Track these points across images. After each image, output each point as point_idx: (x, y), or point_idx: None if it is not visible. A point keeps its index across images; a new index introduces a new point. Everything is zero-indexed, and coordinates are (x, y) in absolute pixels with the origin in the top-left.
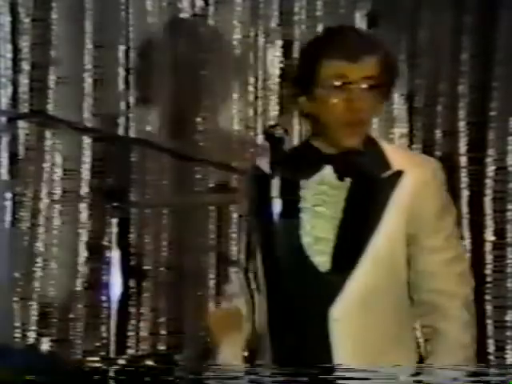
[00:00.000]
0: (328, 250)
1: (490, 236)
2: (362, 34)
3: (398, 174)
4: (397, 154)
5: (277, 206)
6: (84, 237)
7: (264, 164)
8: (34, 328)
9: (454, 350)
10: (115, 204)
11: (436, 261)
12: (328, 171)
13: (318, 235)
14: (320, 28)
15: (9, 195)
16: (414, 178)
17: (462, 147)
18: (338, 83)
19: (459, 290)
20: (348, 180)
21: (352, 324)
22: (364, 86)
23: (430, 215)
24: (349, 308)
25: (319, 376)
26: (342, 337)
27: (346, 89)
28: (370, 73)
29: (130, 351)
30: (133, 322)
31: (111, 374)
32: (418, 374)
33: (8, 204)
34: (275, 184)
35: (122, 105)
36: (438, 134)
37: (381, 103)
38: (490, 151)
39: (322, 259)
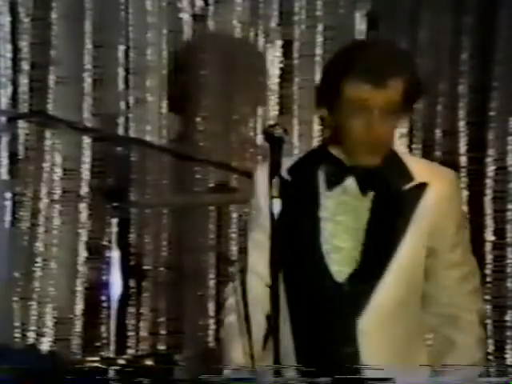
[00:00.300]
0: (348, 260)
1: (489, 236)
2: (390, 50)
3: (421, 186)
4: (418, 166)
5: (297, 212)
6: (84, 237)
7: (283, 170)
8: (33, 328)
9: (466, 364)
10: (115, 204)
11: (455, 276)
12: (350, 182)
13: (338, 245)
14: (320, 28)
15: (9, 195)
16: (437, 191)
17: (462, 147)
18: (359, 105)
19: (476, 305)
20: (371, 192)
21: (379, 335)
22: (386, 109)
23: (451, 229)
24: (376, 319)
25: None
26: (370, 348)
27: (368, 111)
28: (394, 97)
29: (130, 351)
30: (133, 321)
31: (111, 373)
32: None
33: (8, 204)
34: (295, 191)
35: (122, 105)
36: (438, 134)
37: (403, 118)
38: (490, 151)
39: (340, 269)
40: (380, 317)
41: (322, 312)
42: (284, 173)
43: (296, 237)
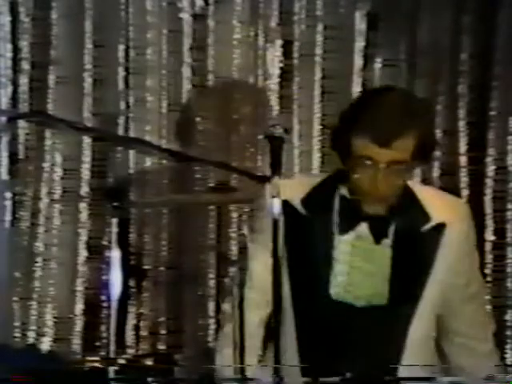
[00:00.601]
0: (363, 303)
1: (489, 236)
2: (402, 107)
3: (440, 227)
4: (431, 200)
5: (310, 251)
6: (84, 237)
7: (296, 201)
8: (33, 328)
9: None
10: (115, 204)
11: (472, 308)
12: (363, 229)
13: (352, 291)
14: (320, 28)
15: (9, 195)
16: (456, 229)
17: (462, 147)
18: (366, 161)
19: (491, 332)
20: (386, 240)
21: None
22: (394, 165)
23: (468, 265)
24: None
25: None
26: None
27: (375, 167)
28: (401, 156)
29: (130, 351)
30: (133, 321)
31: (111, 373)
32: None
33: (8, 204)
34: (310, 227)
35: (122, 105)
36: (438, 133)
37: (416, 168)
38: (490, 151)
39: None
40: (409, 359)
41: (339, 358)
42: (298, 205)
43: (308, 275)
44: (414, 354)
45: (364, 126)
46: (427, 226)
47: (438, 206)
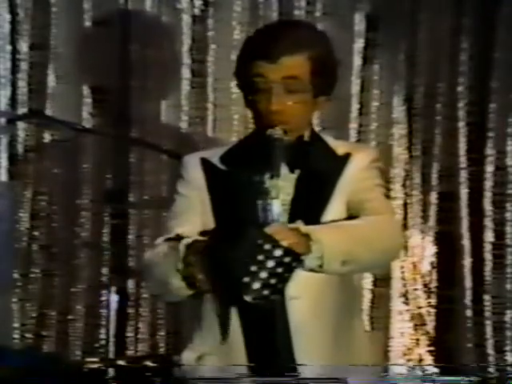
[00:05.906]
0: None
1: (489, 237)
2: (292, 29)
3: (344, 158)
4: (339, 143)
5: (234, 201)
6: (84, 237)
7: (214, 157)
8: (33, 328)
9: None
10: (114, 204)
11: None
12: (279, 166)
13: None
14: (319, 28)
15: (9, 196)
16: (360, 157)
17: (462, 147)
18: (259, 84)
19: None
20: (297, 170)
21: (309, 301)
22: (287, 85)
23: (365, 188)
24: (306, 286)
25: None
26: (300, 314)
27: (267, 90)
28: (291, 72)
29: (129, 352)
30: (132, 322)
31: (110, 374)
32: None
33: (7, 203)
34: (229, 179)
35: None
36: (438, 134)
37: (320, 99)
38: (490, 152)
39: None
40: (311, 283)
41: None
42: (217, 162)
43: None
44: (306, 292)
45: (254, 45)
46: (333, 158)
47: (344, 144)
